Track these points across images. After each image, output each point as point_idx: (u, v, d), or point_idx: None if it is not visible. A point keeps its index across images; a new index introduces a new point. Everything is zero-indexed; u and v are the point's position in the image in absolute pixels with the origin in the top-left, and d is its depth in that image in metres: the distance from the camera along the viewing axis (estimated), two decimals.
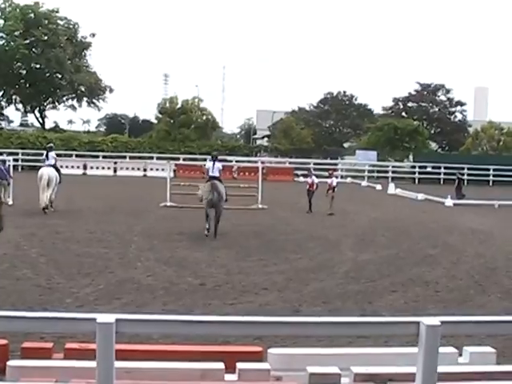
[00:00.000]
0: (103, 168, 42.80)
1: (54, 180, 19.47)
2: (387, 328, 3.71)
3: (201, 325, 3.51)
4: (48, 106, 60.80)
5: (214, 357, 4.24)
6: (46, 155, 20.58)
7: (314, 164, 43.83)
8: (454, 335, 4.19)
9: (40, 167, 20.59)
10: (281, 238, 15.79)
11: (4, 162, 21.62)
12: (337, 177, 29.38)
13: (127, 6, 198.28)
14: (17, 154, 40.73)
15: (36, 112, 60.80)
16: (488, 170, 46.57)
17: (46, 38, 55.54)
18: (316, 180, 22.98)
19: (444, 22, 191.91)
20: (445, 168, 44.91)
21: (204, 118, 57.88)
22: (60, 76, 57.78)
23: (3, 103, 59.41)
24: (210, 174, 16.89)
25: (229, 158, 44.02)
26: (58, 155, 21.89)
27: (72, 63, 58.00)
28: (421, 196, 30.72)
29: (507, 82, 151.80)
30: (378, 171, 49.27)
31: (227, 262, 12.39)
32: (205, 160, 21.55)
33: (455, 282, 11.29)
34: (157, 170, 41.13)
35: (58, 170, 20.19)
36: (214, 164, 16.98)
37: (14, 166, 26.28)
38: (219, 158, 18.58)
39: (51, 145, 22.28)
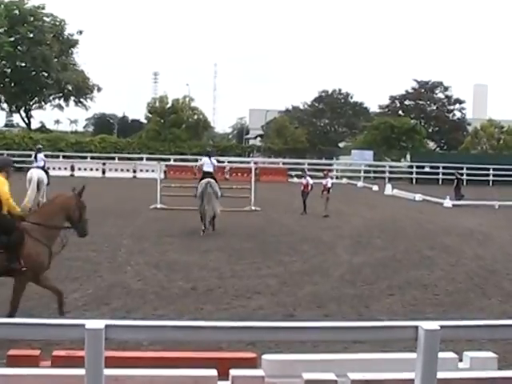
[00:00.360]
0: (91, 169, 42.32)
1: (44, 182, 19.36)
2: (385, 333, 3.66)
3: (192, 330, 3.47)
4: (34, 106, 60.21)
5: (207, 363, 4.21)
6: (35, 157, 20.47)
7: (309, 164, 43.94)
8: (453, 340, 4.12)
9: (27, 168, 20.49)
10: (274, 241, 15.70)
11: None
12: (332, 177, 29.35)
13: (115, 2, 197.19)
14: (1, 155, 40.38)
15: (21, 112, 60.13)
16: (488, 169, 46.03)
17: (31, 35, 55.06)
18: (310, 181, 22.90)
19: (442, 19, 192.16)
20: (443, 168, 44.25)
21: (195, 117, 57.89)
22: (46, 74, 57.19)
23: None
24: (205, 169, 17.07)
25: (221, 158, 44.00)
26: (44, 156, 21.76)
27: (58, 61, 57.47)
28: (418, 197, 30.59)
29: (507, 79, 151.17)
30: (375, 171, 49.01)
31: (219, 265, 12.27)
32: (196, 161, 21.54)
33: (454, 284, 11.17)
34: (147, 171, 40.82)
35: (46, 172, 20.08)
36: (209, 160, 17.19)
37: None
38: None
39: (40, 146, 22.20)
